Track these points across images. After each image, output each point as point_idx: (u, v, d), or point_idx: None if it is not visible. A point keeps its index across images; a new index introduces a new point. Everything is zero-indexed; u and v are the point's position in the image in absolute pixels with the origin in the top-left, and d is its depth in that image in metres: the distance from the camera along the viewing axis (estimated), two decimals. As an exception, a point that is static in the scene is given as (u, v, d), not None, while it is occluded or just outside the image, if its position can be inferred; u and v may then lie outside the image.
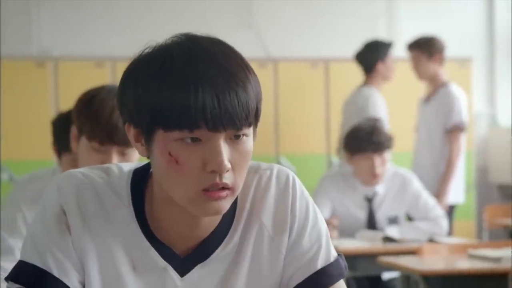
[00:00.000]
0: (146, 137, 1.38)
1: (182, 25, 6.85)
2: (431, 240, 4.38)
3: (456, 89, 5.71)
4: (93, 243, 1.42)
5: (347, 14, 7.12)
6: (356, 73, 6.02)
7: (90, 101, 2.21)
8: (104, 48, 6.59)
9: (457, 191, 5.64)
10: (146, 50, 1.42)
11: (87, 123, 2.19)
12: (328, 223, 4.26)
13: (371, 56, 5.75)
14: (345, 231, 4.46)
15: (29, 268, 1.42)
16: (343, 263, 1.51)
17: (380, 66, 5.74)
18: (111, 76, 6.30)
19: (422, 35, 5.86)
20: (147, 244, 1.43)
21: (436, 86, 5.74)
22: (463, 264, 3.77)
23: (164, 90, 1.34)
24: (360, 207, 4.56)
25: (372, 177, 4.48)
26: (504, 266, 3.52)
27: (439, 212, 4.61)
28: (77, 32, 6.68)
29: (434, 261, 3.85)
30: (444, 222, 4.59)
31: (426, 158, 5.69)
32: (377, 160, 4.45)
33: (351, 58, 6.05)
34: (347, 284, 4.38)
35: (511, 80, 7.39)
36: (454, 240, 4.61)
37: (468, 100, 6.44)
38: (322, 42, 7.02)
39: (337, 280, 1.50)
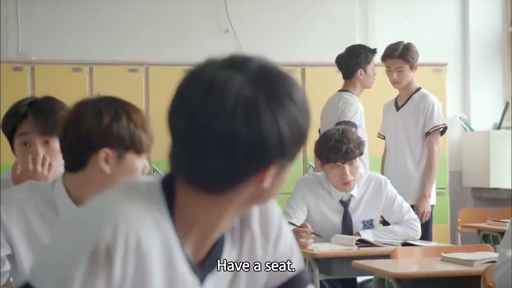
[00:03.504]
0: (282, 168, 1.40)
1: (159, 30, 6.89)
2: (405, 244, 4.43)
3: (430, 94, 5.78)
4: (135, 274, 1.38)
5: (323, 18, 7.18)
6: (332, 78, 6.07)
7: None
8: (81, 53, 6.60)
9: (432, 193, 5.75)
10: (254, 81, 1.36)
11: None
12: (301, 231, 4.29)
13: (352, 62, 5.71)
14: (321, 235, 4.48)
15: None
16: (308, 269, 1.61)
17: (360, 74, 5.71)
18: (88, 80, 6.32)
19: (398, 43, 5.78)
20: (183, 260, 1.43)
21: (409, 91, 5.79)
22: (436, 267, 3.81)
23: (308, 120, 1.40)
24: (336, 211, 4.58)
25: (343, 185, 4.50)
26: (476, 269, 3.57)
27: (413, 215, 4.67)
28: (55, 37, 6.69)
29: (408, 264, 3.90)
30: (419, 226, 4.65)
31: (406, 163, 5.74)
32: (347, 168, 4.44)
33: (327, 63, 6.09)
34: (322, 286, 4.42)
35: (485, 85, 7.48)
36: (427, 243, 4.66)
37: (442, 105, 6.51)
38: (299, 46, 7.07)
39: (308, 285, 1.60)
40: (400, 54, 5.72)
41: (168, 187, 1.42)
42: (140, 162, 2.14)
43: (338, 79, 5.98)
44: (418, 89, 5.81)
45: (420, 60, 6.51)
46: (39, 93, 6.05)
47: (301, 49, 7.04)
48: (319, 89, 6.47)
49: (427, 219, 5.65)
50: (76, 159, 2.12)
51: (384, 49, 5.79)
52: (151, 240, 1.37)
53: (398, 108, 5.87)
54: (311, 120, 1.39)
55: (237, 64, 1.36)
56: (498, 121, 7.40)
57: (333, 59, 6.10)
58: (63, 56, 6.48)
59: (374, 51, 5.80)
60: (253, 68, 1.35)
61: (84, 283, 1.33)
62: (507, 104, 7.37)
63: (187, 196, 1.41)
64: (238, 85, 1.33)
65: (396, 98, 5.95)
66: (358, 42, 6.80)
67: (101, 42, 6.72)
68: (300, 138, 1.37)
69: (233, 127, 1.31)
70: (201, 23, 6.96)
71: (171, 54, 6.69)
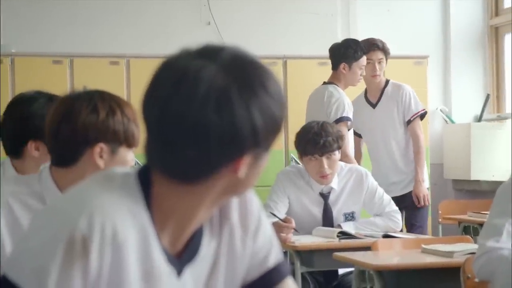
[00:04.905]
0: (256, 158, 1.40)
1: (140, 23, 6.87)
2: (386, 236, 4.45)
3: (402, 83, 5.87)
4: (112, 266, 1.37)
5: (305, 11, 7.18)
6: (314, 70, 6.06)
7: None
8: (62, 45, 6.57)
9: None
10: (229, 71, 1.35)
11: None
12: (284, 226, 4.29)
13: (339, 53, 5.64)
14: (302, 228, 4.49)
15: None
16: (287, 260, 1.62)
17: (343, 68, 5.61)
18: (69, 73, 6.29)
19: (370, 38, 5.83)
20: (160, 251, 1.43)
21: (380, 85, 5.86)
22: (416, 259, 3.83)
23: (283, 110, 1.40)
24: (316, 204, 4.59)
25: (320, 178, 4.52)
26: (456, 260, 3.59)
27: (394, 207, 4.69)
28: (35, 29, 6.66)
29: (388, 256, 3.92)
30: (399, 218, 4.67)
31: (394, 155, 5.81)
32: (325, 161, 4.46)
33: (308, 56, 6.07)
34: (304, 278, 4.43)
35: (466, 78, 7.51)
36: (408, 235, 4.69)
37: (423, 97, 6.54)
38: (280, 39, 7.06)
39: (286, 276, 1.60)
40: (382, 47, 5.79)
41: (145, 178, 1.42)
42: (131, 156, 2.14)
43: (320, 72, 5.98)
44: (387, 81, 5.88)
45: (401, 52, 6.53)
46: (20, 86, 6.08)
47: (283, 41, 7.04)
48: (301, 82, 6.48)
49: (428, 203, 5.74)
50: (69, 154, 2.10)
51: (363, 42, 5.78)
52: (127, 231, 1.37)
53: (373, 105, 5.89)
54: (285, 110, 1.40)
55: (210, 53, 1.36)
56: (479, 113, 7.43)
57: (314, 52, 6.09)
58: (44, 49, 6.44)
59: (365, 50, 5.69)
60: (226, 57, 1.35)
61: (60, 273, 1.33)
62: (487, 96, 7.40)
63: (163, 187, 1.40)
64: (211, 74, 1.33)
65: (366, 95, 5.95)
66: (339, 35, 6.81)
67: (82, 34, 6.69)
68: (274, 127, 1.38)
69: (205, 116, 1.31)
70: (182, 16, 6.95)
71: (153, 46, 6.67)
